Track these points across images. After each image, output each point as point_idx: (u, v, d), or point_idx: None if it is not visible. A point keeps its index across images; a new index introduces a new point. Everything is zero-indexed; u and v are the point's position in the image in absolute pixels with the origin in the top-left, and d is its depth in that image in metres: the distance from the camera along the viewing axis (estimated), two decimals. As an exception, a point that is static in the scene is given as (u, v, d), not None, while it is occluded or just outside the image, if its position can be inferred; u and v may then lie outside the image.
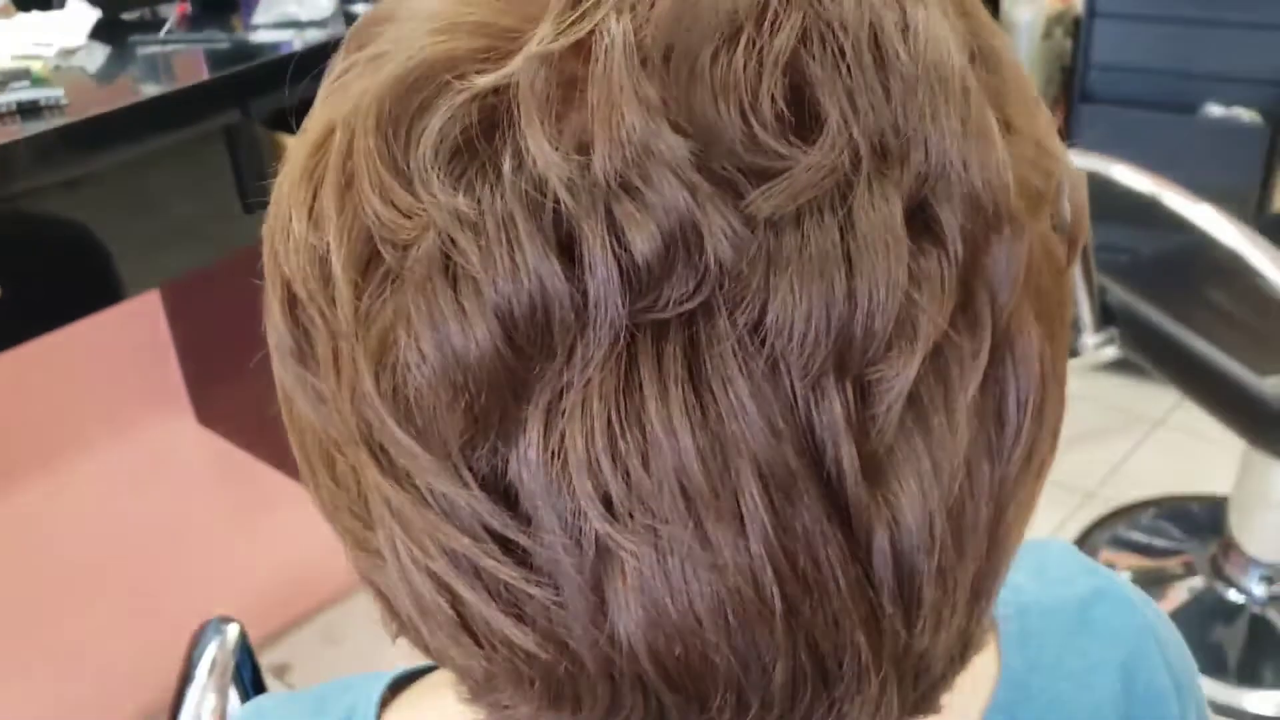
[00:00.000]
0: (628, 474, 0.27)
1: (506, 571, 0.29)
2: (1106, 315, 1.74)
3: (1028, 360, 0.30)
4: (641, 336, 0.27)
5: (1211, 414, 1.67)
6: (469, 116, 0.27)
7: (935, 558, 0.29)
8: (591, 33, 0.27)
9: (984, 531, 0.30)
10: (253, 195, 1.31)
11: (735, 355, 0.27)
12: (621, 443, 0.27)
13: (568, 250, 0.26)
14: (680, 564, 0.28)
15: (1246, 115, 2.21)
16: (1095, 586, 0.49)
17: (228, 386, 1.67)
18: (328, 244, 0.29)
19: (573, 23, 0.27)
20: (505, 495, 0.28)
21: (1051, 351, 0.31)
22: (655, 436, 0.27)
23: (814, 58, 0.27)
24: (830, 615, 0.29)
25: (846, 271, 0.26)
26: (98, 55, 1.34)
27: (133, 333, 1.65)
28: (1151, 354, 1.74)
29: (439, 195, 0.27)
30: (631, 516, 0.27)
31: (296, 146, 0.31)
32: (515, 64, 0.27)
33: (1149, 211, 1.64)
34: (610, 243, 0.26)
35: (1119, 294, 1.74)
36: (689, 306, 0.26)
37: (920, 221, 0.28)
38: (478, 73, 0.28)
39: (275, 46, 1.35)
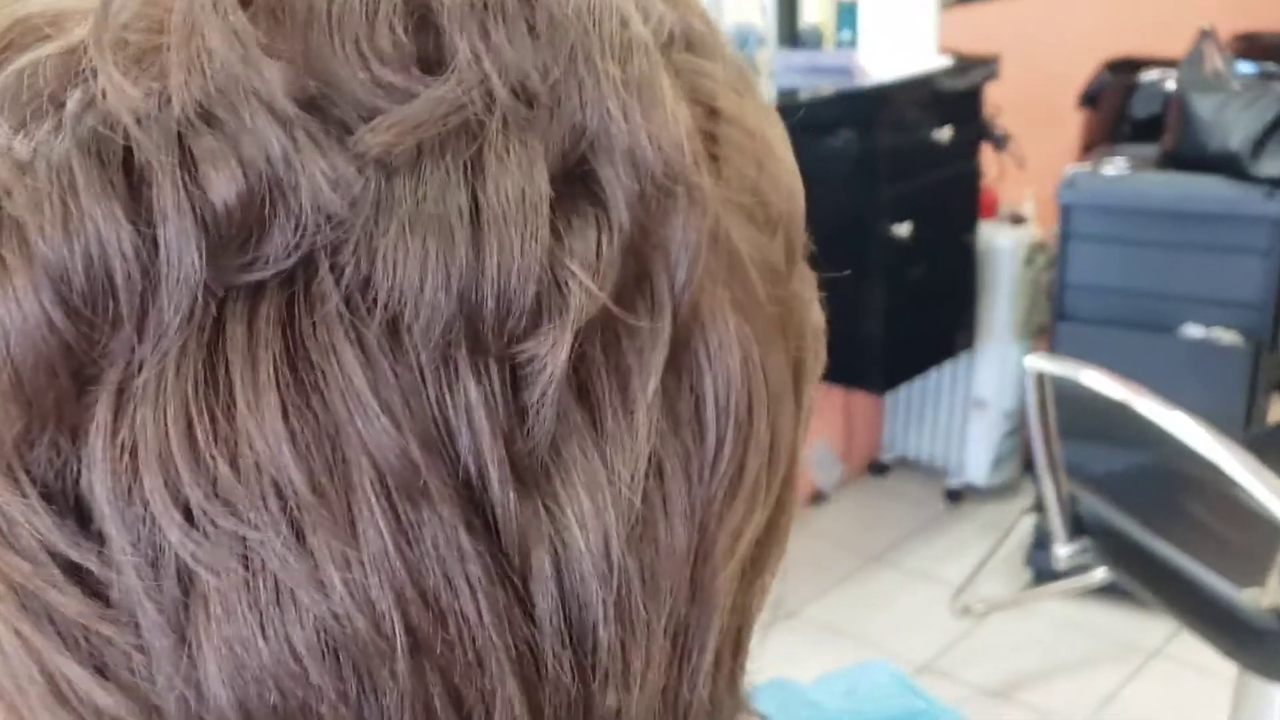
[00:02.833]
0: (208, 470, 0.22)
1: (77, 608, 0.23)
2: (1078, 526, 1.67)
3: (725, 354, 0.25)
4: (233, 302, 0.22)
5: (1190, 629, 1.58)
6: (38, 69, 0.23)
7: (614, 588, 0.24)
8: None
9: (682, 565, 0.25)
10: None
11: (341, 320, 0.22)
12: (200, 429, 0.22)
13: (138, 196, 0.22)
14: (273, 585, 0.22)
15: (1227, 337, 2.19)
16: (910, 708, 0.42)
17: None
18: None
19: None
20: (75, 507, 0.23)
21: (766, 356, 0.26)
22: (242, 421, 0.22)
23: None
24: (473, 654, 0.23)
25: (472, 223, 0.22)
26: None
27: None
28: (1126, 566, 1.66)
29: None
30: (214, 524, 0.22)
31: None
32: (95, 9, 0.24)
33: (1121, 428, 1.60)
34: (183, 182, 0.22)
35: (1091, 505, 1.68)
36: (288, 265, 0.22)
37: (579, 180, 0.24)
38: (50, 38, 0.24)
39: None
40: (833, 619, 2.41)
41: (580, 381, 0.23)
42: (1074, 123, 2.85)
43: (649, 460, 0.24)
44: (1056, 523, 1.63)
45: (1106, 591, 2.24)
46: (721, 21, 2.47)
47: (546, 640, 0.23)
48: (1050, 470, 1.63)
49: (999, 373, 2.67)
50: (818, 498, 2.82)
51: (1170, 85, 2.57)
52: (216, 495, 0.22)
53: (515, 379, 0.23)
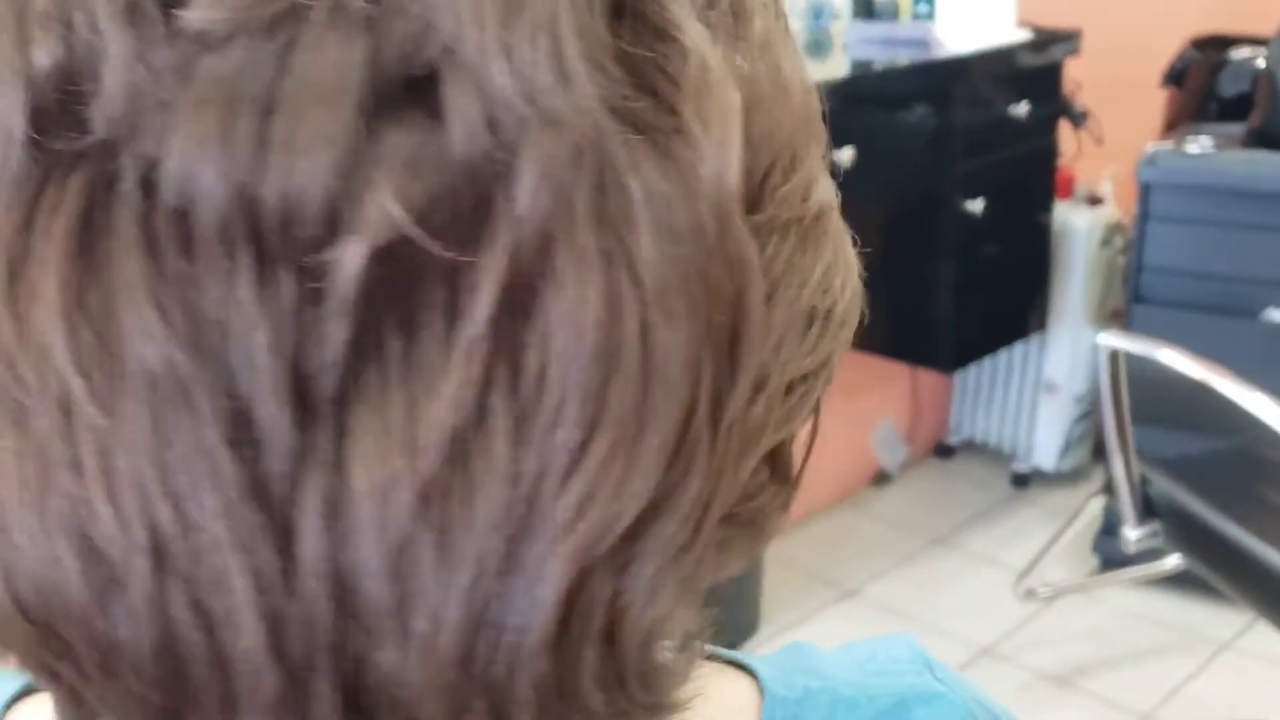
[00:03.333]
0: (4, 335, 0.22)
1: None
2: (1149, 509, 1.63)
3: (580, 311, 0.22)
4: (56, 170, 0.22)
5: (1265, 618, 1.53)
6: None
7: (394, 542, 0.22)
8: None
9: (493, 532, 0.22)
10: None
11: (128, 204, 0.21)
12: (1, 289, 0.22)
13: None
14: (39, 458, 0.22)
15: (1311, 322, 2.13)
16: (925, 687, 0.39)
17: None
18: None
19: None
20: None
21: (654, 322, 0.22)
22: (30, 291, 0.21)
23: None
24: (215, 573, 0.22)
25: (262, 112, 0.21)
26: None
27: None
28: (1198, 553, 1.62)
29: None
30: (4, 390, 0.22)
31: None
32: None
33: (1197, 411, 1.56)
34: (18, 43, 0.22)
35: (1164, 487, 1.63)
36: (99, 139, 0.22)
37: (418, 89, 0.22)
38: None
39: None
40: (893, 600, 2.38)
41: (403, 308, 0.21)
42: (1157, 101, 2.77)
43: (469, 410, 0.22)
44: (1126, 503, 1.59)
45: (1175, 580, 2.19)
46: (796, -7, 2.44)
47: (304, 581, 0.22)
48: (1121, 448, 1.59)
49: (1071, 356, 2.61)
50: (881, 479, 2.79)
51: (1260, 63, 2.49)
52: (4, 362, 0.22)
53: (311, 293, 0.21)
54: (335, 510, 0.22)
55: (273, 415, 0.21)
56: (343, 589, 0.22)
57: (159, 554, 0.22)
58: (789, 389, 0.27)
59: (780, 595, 2.36)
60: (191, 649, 0.22)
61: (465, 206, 0.21)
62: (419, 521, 0.22)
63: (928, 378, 2.81)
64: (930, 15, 2.31)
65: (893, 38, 2.29)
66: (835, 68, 2.22)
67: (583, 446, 0.22)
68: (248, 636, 0.22)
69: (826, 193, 0.29)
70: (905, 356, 2.49)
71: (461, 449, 0.22)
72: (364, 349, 0.21)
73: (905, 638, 0.42)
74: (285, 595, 0.22)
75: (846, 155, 1.91)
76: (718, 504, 0.25)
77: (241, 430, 0.21)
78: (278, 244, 0.21)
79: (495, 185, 0.22)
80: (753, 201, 0.26)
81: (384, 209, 0.21)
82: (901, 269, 2.33)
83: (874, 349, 2.44)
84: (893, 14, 2.35)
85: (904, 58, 2.22)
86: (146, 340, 0.21)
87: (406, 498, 0.21)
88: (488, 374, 0.22)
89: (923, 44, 2.23)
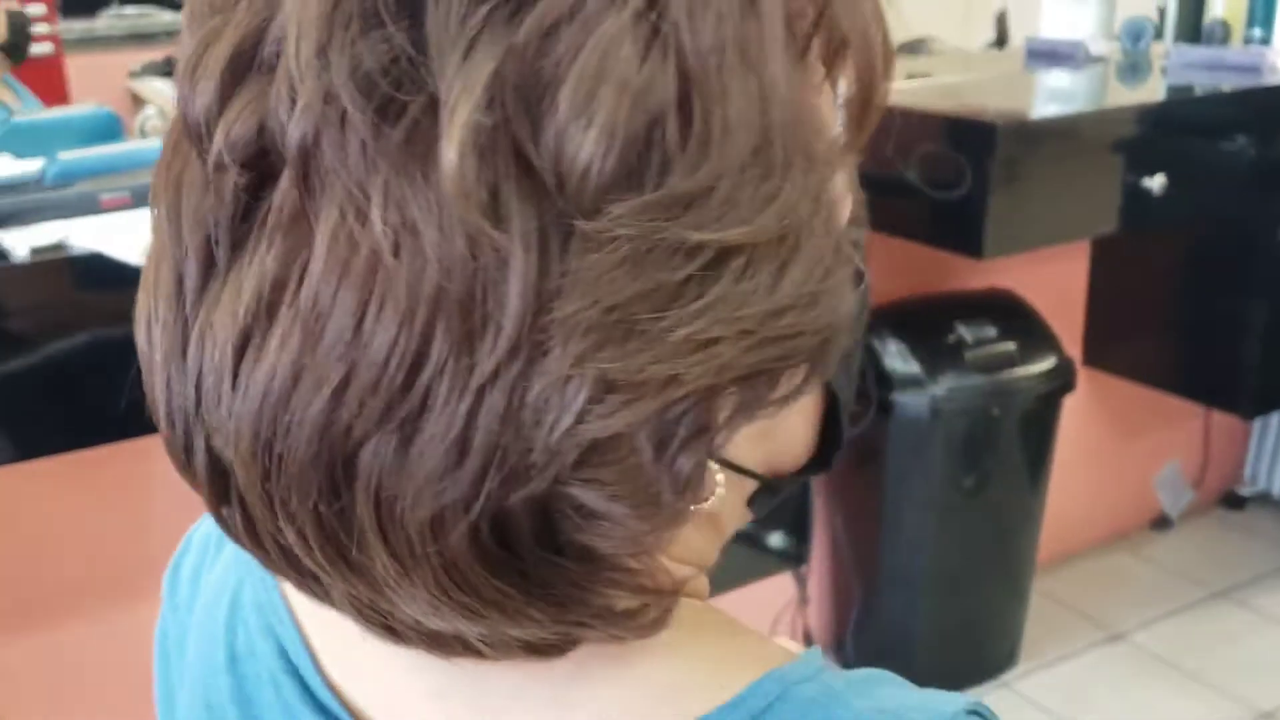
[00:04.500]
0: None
1: None
2: None
3: (320, 254, 0.30)
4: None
5: None
6: None
7: (216, 362, 0.31)
8: None
9: (266, 388, 0.30)
10: None
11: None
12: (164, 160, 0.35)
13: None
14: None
15: None
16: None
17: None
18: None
19: None
20: None
21: (376, 277, 0.29)
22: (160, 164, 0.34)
23: None
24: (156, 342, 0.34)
25: (197, 60, 0.31)
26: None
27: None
28: None
29: None
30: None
31: None
32: None
33: None
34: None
35: None
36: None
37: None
38: None
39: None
40: (1165, 650, 2.27)
41: (256, 210, 0.31)
42: None
43: (264, 297, 0.30)
44: None
45: None
46: (1115, 14, 2.35)
47: (187, 366, 0.32)
48: None
49: (1391, 413, 2.41)
50: (1161, 523, 2.66)
51: None
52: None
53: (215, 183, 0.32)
54: (206, 330, 0.31)
55: (190, 259, 0.32)
56: (199, 380, 0.32)
57: (149, 327, 0.33)
58: (610, 388, 0.29)
59: (1044, 630, 2.28)
60: (154, 395, 0.34)
61: (273, 147, 0.30)
62: (233, 357, 0.31)
63: (1222, 422, 2.65)
64: (1266, 40, 2.19)
65: (1220, 62, 2.18)
66: (1150, 92, 2.13)
67: (312, 350, 0.30)
68: (156, 391, 0.34)
69: (736, 234, 0.29)
70: (1199, 397, 2.36)
71: (260, 323, 0.30)
72: (240, 232, 0.31)
73: (976, 704, 0.38)
74: (179, 373, 0.32)
75: (1157, 182, 1.84)
76: (500, 456, 0.29)
77: (180, 263, 0.32)
78: (202, 146, 0.31)
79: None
80: (584, 209, 0.28)
81: (217, 139, 0.30)
82: (1205, 303, 2.22)
83: (1165, 385, 2.33)
84: (1222, 39, 2.24)
85: (1228, 83, 2.11)
86: (156, 191, 0.33)
87: (227, 339, 0.31)
88: (279, 277, 0.30)
89: (1254, 70, 2.11)
